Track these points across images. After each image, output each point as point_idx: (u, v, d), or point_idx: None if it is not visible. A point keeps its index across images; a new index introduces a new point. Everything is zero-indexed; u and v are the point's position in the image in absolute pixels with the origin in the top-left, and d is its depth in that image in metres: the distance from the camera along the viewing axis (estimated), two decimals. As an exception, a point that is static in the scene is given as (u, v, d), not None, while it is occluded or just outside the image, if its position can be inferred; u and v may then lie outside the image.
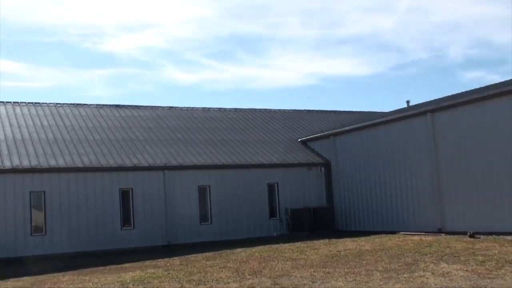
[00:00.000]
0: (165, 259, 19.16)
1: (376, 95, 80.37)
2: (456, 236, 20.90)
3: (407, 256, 15.94)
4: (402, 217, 25.41)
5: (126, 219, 25.69)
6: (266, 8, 74.67)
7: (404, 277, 12.41)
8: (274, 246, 21.47)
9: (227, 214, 27.66)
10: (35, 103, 30.89)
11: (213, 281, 13.45)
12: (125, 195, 25.77)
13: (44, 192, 24.18)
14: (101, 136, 28.27)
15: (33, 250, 23.40)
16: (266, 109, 37.88)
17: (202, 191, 27.44)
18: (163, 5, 73.93)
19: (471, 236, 20.24)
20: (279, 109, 38.31)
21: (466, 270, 12.92)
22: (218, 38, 78.75)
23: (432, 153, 23.67)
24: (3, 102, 30.05)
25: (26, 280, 16.13)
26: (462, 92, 25.74)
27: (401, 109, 29.51)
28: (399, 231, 24.66)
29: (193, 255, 20.02)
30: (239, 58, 79.21)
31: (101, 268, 17.86)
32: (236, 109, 36.79)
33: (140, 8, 72.76)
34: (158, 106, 34.49)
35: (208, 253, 20.19)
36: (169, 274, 15.22)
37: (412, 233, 23.69)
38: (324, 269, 14.37)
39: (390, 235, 23.40)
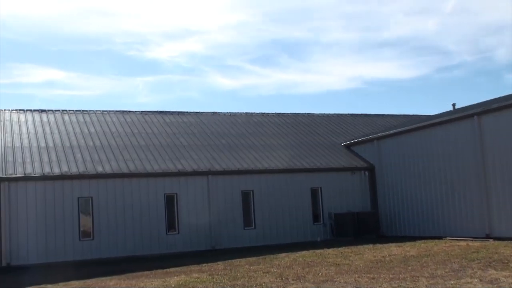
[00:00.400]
0: (209, 264, 19.31)
1: (420, 98, 79.18)
2: (504, 242, 20.39)
3: (454, 262, 15.65)
4: (449, 222, 24.97)
5: (171, 224, 26.01)
6: (308, 12, 74.57)
7: (451, 284, 12.20)
8: (318, 251, 21.38)
9: (270, 219, 27.70)
10: (83, 110, 31.64)
11: (257, 286, 13.50)
12: (170, 200, 26.11)
13: (92, 198, 24.72)
14: (146, 142, 28.74)
15: (81, 255, 23.97)
16: (309, 113, 37.80)
17: (246, 196, 27.56)
18: (205, 12, 74.66)
19: (521, 241, 19.74)
20: (322, 114, 38.17)
21: (515, 277, 12.62)
22: (260, 43, 79.01)
23: (479, 157, 23.19)
24: (52, 110, 30.89)
25: (75, 284, 16.53)
26: (509, 95, 25.14)
27: (446, 112, 29.04)
28: (445, 236, 24.24)
29: (237, 259, 20.11)
30: (281, 63, 79.25)
31: (147, 272, 18.13)
32: (278, 113, 36.84)
33: (182, 15, 73.65)
34: (201, 112, 34.83)
35: (252, 258, 20.25)
36: (213, 278, 15.34)
37: (458, 238, 23.25)
38: (368, 275, 14.25)
39: (436, 241, 23.00)
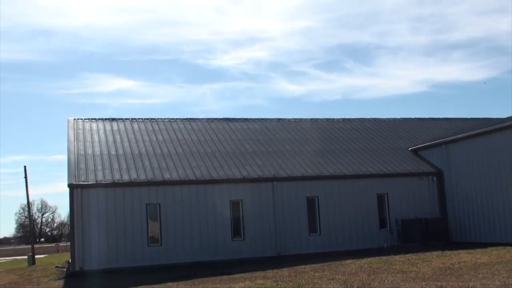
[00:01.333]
0: (274, 270, 19.35)
1: (492, 100, 76.83)
2: None
3: (527, 270, 15.06)
4: (523, 229, 24.03)
5: (236, 230, 26.24)
6: (374, 16, 73.75)
7: (522, 293, 11.77)
8: (384, 257, 21.04)
9: (336, 225, 27.50)
10: (151, 119, 32.46)
11: (321, 293, 13.43)
12: (235, 206, 26.35)
13: (160, 204, 25.28)
14: (212, 149, 29.14)
15: (150, 260, 24.55)
16: (375, 118, 37.31)
17: (311, 202, 27.48)
18: (270, 19, 75.11)
19: None
20: (388, 118, 37.59)
21: None
22: (326, 49, 78.83)
23: (554, 161, 22.25)
24: (122, 119, 31.85)
25: (143, 288, 16.95)
26: None
27: (518, 114, 28.00)
28: (519, 244, 23.35)
29: (302, 266, 20.06)
30: (347, 68, 78.73)
31: (213, 278, 18.37)
32: (344, 119, 36.56)
33: (248, 23, 74.44)
34: (266, 119, 35.01)
35: (317, 265, 20.15)
36: (277, 285, 15.38)
37: (533, 245, 22.35)
38: (436, 282, 13.93)
39: (509, 248, 22.17)
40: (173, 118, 33.07)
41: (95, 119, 31.40)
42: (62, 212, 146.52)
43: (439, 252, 21.85)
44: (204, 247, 25.44)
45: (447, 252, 21.65)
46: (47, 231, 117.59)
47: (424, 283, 13.97)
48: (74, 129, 29.51)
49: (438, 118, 38.50)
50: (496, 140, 25.82)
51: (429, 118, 38.41)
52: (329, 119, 36.36)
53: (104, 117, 31.74)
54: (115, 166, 26.06)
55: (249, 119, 34.65)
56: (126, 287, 17.65)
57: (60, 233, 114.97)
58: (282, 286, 15.06)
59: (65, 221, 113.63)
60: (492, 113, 67.35)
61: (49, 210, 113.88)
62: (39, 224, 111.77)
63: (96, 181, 24.62)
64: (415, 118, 38.20)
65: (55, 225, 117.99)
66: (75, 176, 24.66)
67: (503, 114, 56.27)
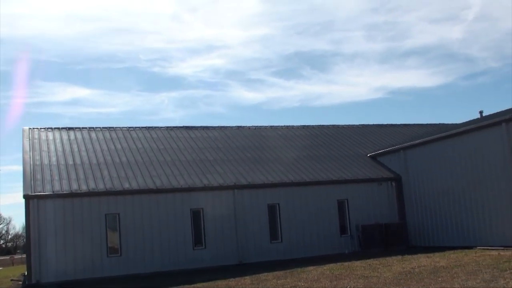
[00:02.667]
0: (236, 279, 19.23)
1: (447, 106, 78.63)
2: (537, 251, 19.95)
3: (485, 273, 15.33)
4: (479, 232, 24.53)
5: (197, 239, 26.01)
6: (329, 24, 74.70)
7: (482, 295, 11.95)
8: (346, 263, 21.16)
9: (297, 232, 27.54)
10: (109, 127, 31.95)
11: (284, 300, 13.37)
12: (196, 215, 26.13)
13: (119, 214, 24.87)
14: (172, 158, 28.87)
15: (109, 271, 24.08)
16: (334, 125, 37.62)
17: (272, 209, 27.47)
18: (227, 27, 75.23)
19: (554, 250, 19.27)
20: (347, 125, 37.96)
21: (549, 287, 12.30)
22: (283, 56, 79.34)
23: (508, 164, 22.79)
24: (79, 128, 31.27)
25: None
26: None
27: (474, 120, 28.66)
28: (476, 246, 23.82)
29: (264, 274, 19.99)
30: (304, 75, 79.39)
31: None
32: (303, 126, 36.74)
33: (205, 31, 74.33)
34: (226, 126, 34.90)
35: (279, 272, 20.11)
36: (240, 293, 15.25)
37: (489, 248, 22.81)
38: (397, 287, 14.05)
39: (466, 251, 22.61)
40: (132, 127, 32.65)
41: (51, 128, 30.74)
42: (17, 223, 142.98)
43: (399, 257, 22.10)
44: (165, 256, 25.13)
45: (407, 257, 21.91)
46: (1, 243, 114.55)
47: (386, 288, 14.08)
48: (29, 139, 28.82)
49: (396, 124, 39.08)
50: (451, 146, 26.32)
51: (387, 124, 38.95)
52: (289, 126, 36.49)
53: (60, 126, 31.13)
54: (73, 176, 25.55)
55: (209, 127, 34.49)
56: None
57: (15, 245, 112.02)
58: (245, 295, 14.95)
59: (20, 233, 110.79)
60: (447, 119, 68.84)
61: (3, 222, 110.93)
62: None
63: (53, 191, 24.07)
64: (374, 125, 38.68)
65: (9, 237, 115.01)
66: (31, 187, 24.07)
67: (458, 120, 57.49)
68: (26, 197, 23.54)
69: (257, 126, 35.70)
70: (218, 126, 34.75)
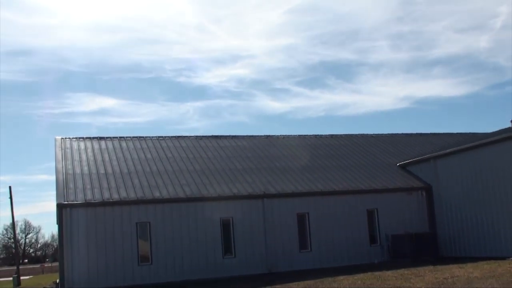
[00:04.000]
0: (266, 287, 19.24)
1: (474, 116, 77.78)
2: None
3: (521, 284, 15.12)
4: (511, 242, 24.17)
5: (227, 247, 26.10)
6: (354, 33, 74.62)
7: (519, 306, 11.80)
8: (376, 273, 21.02)
9: (326, 241, 27.45)
10: (139, 137, 32.31)
11: (318, 310, 13.35)
12: (225, 224, 26.23)
13: (149, 222, 25.10)
14: (202, 167, 29.06)
15: (140, 279, 24.31)
16: (363, 134, 37.49)
17: (301, 218, 27.44)
18: (252, 37, 75.59)
19: None
20: (376, 134, 37.79)
21: None
22: (308, 66, 79.45)
23: (542, 174, 22.45)
24: (110, 137, 31.68)
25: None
26: None
27: (506, 128, 28.26)
28: (509, 257, 23.46)
29: (294, 283, 19.96)
30: (329, 85, 79.40)
31: (206, 296, 18.20)
32: (332, 135, 36.66)
33: (230, 41, 74.80)
34: (255, 136, 35.00)
35: (309, 281, 20.06)
36: (272, 302, 15.27)
37: (523, 259, 22.46)
38: (431, 297, 13.92)
39: (499, 261, 22.27)
40: (161, 136, 32.96)
41: (82, 138, 31.21)
42: (46, 232, 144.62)
43: (431, 267, 21.88)
44: (194, 265, 25.26)
45: (439, 267, 21.67)
46: (30, 252, 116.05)
47: (419, 298, 13.97)
48: (61, 148, 29.30)
49: (425, 133, 38.78)
50: (483, 155, 26.03)
51: (416, 134, 38.68)
52: (317, 135, 36.45)
53: (91, 136, 31.57)
54: (104, 185, 25.88)
55: (237, 136, 34.64)
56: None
57: (44, 253, 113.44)
58: (277, 304, 14.97)
59: (49, 241, 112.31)
60: (474, 129, 68.08)
61: (33, 230, 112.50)
62: (23, 245, 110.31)
63: (85, 200, 24.42)
64: (402, 134, 38.44)
65: (38, 245, 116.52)
66: (64, 196, 24.45)
67: (486, 129, 56.92)
68: (59, 205, 23.92)
69: (285, 135, 35.74)
70: (246, 135, 34.88)
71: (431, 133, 38.91)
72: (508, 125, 29.71)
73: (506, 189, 24.50)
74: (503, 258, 23.33)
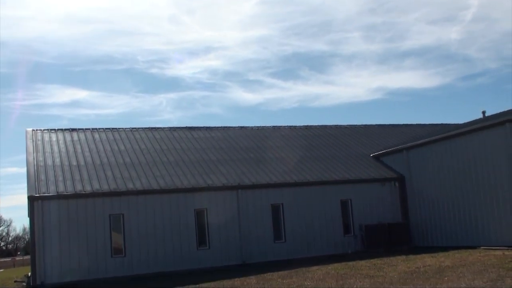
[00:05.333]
0: (241, 278, 19.26)
1: (446, 107, 78.72)
2: (542, 250, 19.96)
3: (491, 272, 15.37)
4: (482, 231, 24.55)
5: (201, 239, 26.03)
6: (327, 25, 74.87)
7: (490, 294, 11.97)
8: (350, 263, 21.19)
9: (301, 232, 27.55)
10: (112, 128, 31.98)
11: (292, 300, 13.40)
12: (200, 216, 26.16)
13: (123, 214, 24.88)
14: (175, 158, 28.89)
15: (113, 272, 24.10)
16: (337, 125, 37.65)
17: (275, 210, 27.48)
18: (225, 28, 75.39)
19: (559, 249, 19.28)
20: (350, 125, 37.99)
21: (556, 286, 12.33)
22: (281, 57, 79.52)
23: (512, 164, 22.80)
24: (82, 129, 31.28)
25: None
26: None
27: (476, 120, 28.68)
28: (479, 246, 23.83)
29: (269, 273, 20.02)
30: (303, 76, 79.57)
31: (180, 288, 18.16)
32: (306, 126, 36.75)
33: (203, 32, 74.41)
34: (229, 127, 34.90)
35: (284, 272, 20.14)
36: (247, 293, 15.28)
37: (493, 247, 22.83)
38: (404, 286, 14.08)
39: (470, 250, 22.64)
40: (135, 128, 32.66)
41: (54, 129, 30.78)
42: (17, 225, 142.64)
43: (403, 257, 22.14)
44: (169, 257, 25.14)
45: (411, 256, 21.94)
46: (1, 245, 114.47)
47: (392, 287, 14.10)
48: (33, 140, 28.85)
49: (398, 125, 39.08)
50: (455, 145, 26.33)
51: (389, 125, 38.96)
52: (291, 126, 36.50)
53: (63, 128, 31.16)
54: (77, 177, 25.57)
55: (212, 127, 34.51)
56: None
57: (15, 247, 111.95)
58: (252, 294, 14.97)
59: (20, 234, 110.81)
60: (446, 120, 68.88)
61: (4, 224, 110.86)
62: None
63: (57, 192, 24.09)
64: (375, 125, 38.71)
65: (10, 239, 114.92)
66: (35, 188, 24.10)
67: (458, 120, 57.50)
68: (30, 198, 23.57)
69: (259, 127, 35.72)
70: (220, 127, 34.77)
71: (403, 124, 39.25)
72: (479, 116, 30.18)
73: (477, 179, 24.84)
74: (474, 247, 23.70)
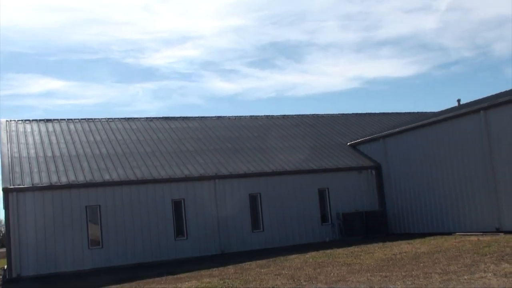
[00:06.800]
0: (219, 268, 19.26)
1: (423, 95, 79.42)
2: (515, 236, 20.29)
3: (466, 257, 15.56)
4: (458, 218, 24.88)
5: (179, 229, 25.97)
6: (304, 14, 74.90)
7: (465, 279, 12.12)
8: (328, 251, 21.31)
9: (278, 221, 27.64)
10: (88, 119, 31.66)
11: (269, 288, 13.43)
12: (177, 206, 26.08)
13: (100, 206, 24.70)
14: (152, 149, 28.73)
15: (91, 263, 23.95)
16: (314, 114, 37.75)
17: (253, 199, 27.51)
18: (201, 17, 74.97)
19: (532, 235, 19.61)
20: (327, 114, 38.12)
21: (529, 270, 12.52)
22: (258, 47, 79.35)
23: (487, 151, 23.10)
24: (57, 119, 30.92)
25: (86, 292, 16.49)
26: (514, 88, 25.05)
27: (452, 108, 28.96)
28: (455, 232, 24.17)
29: (247, 263, 20.05)
30: (279, 65, 79.55)
31: (157, 279, 18.10)
32: (283, 115, 36.78)
33: (179, 21, 73.85)
34: (206, 117, 34.78)
35: (262, 261, 20.19)
36: (224, 283, 15.28)
37: (468, 233, 23.16)
38: (380, 273, 14.18)
39: (446, 237, 22.92)
40: (111, 118, 32.38)
41: (28, 120, 30.37)
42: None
43: (380, 244, 22.33)
44: (146, 248, 25.06)
45: (388, 244, 22.14)
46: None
47: (369, 274, 14.20)
48: (7, 131, 28.44)
49: (375, 113, 39.35)
50: (430, 133, 26.58)
51: (366, 113, 39.20)
52: (268, 116, 36.50)
53: (38, 118, 30.77)
54: (52, 168, 25.29)
55: (189, 117, 34.35)
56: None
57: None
58: (229, 284, 14.97)
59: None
60: (423, 108, 69.48)
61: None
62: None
63: (33, 184, 23.81)
64: (353, 114, 38.91)
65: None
66: (10, 180, 23.77)
67: (434, 109, 58.08)
68: (5, 190, 23.26)
69: (237, 116, 35.64)
70: (197, 117, 34.62)
71: (380, 113, 39.53)
72: (454, 104, 30.45)
73: (452, 166, 25.11)
74: (449, 234, 24.01)
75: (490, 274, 12.42)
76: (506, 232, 21.68)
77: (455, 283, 11.73)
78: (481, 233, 22.43)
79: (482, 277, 12.14)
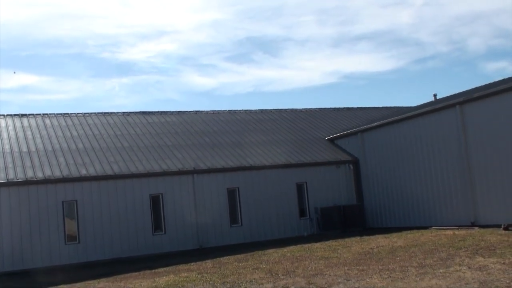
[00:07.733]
0: (197, 263, 19.25)
1: (400, 90, 79.92)
2: (490, 229, 20.59)
3: (441, 251, 15.76)
4: (434, 212, 25.13)
5: (157, 224, 25.87)
6: (280, 9, 74.90)
7: (440, 272, 12.27)
8: (306, 245, 21.42)
9: (257, 216, 27.67)
10: (64, 114, 31.31)
11: (247, 283, 13.47)
12: (155, 201, 25.96)
13: (76, 201, 24.49)
14: (130, 143, 28.54)
15: (67, 259, 23.75)
16: (292, 108, 37.82)
17: (231, 194, 27.50)
18: (178, 11, 74.53)
19: (506, 228, 19.92)
20: (305, 108, 38.21)
21: (503, 263, 12.73)
22: (235, 41, 79.10)
23: (463, 145, 23.36)
24: (32, 114, 30.54)
25: (63, 288, 16.36)
26: (489, 83, 25.37)
27: (428, 102, 29.21)
28: (431, 226, 24.41)
29: (225, 257, 20.07)
30: (256, 60, 79.43)
31: (135, 273, 18.03)
32: (261, 110, 36.80)
33: (155, 15, 73.33)
34: (184, 111, 34.65)
35: (240, 255, 20.23)
36: (202, 277, 15.29)
37: (444, 227, 23.42)
38: (357, 267, 14.29)
39: (422, 231, 23.17)
40: (87, 113, 32.08)
41: (3, 115, 29.95)
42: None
43: (358, 238, 22.50)
44: (124, 243, 24.92)
45: (365, 238, 22.31)
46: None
47: (346, 268, 14.31)
48: (-19, 126, 28.00)
49: (352, 108, 39.55)
50: (407, 128, 26.79)
51: (344, 108, 39.38)
52: (247, 110, 36.48)
53: (13, 113, 30.37)
54: (28, 163, 24.99)
55: (166, 112, 34.19)
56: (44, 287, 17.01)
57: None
58: (207, 278, 14.98)
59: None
60: (401, 102, 69.97)
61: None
62: None
63: (8, 179, 23.50)
64: (330, 108, 39.05)
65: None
66: (-16, 175, 23.43)
67: (411, 103, 58.68)
68: (-21, 185, 22.92)
69: (215, 111, 35.57)
70: (175, 111, 34.48)
71: (358, 107, 39.74)
72: (431, 98, 30.74)
73: (429, 161, 25.36)
74: (426, 228, 24.26)
75: (465, 268, 12.60)
76: (480, 226, 21.96)
77: (430, 276, 11.87)
78: (457, 227, 22.70)
79: (457, 270, 12.31)
